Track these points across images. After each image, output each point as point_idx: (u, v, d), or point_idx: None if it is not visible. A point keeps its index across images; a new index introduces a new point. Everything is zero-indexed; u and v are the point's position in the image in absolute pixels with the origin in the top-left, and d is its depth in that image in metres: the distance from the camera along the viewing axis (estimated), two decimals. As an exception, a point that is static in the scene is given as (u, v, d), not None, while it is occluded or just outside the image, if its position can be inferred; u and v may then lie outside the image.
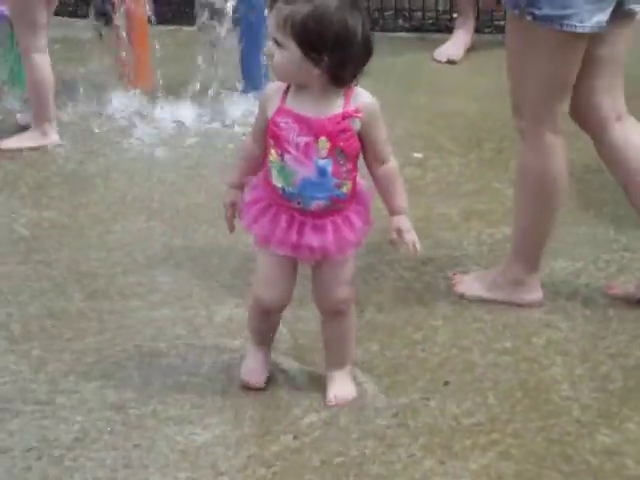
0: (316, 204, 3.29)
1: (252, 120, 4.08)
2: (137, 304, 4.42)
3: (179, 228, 5.13)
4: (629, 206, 4.75)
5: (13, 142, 6.31)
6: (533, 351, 4.06)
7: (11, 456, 3.40)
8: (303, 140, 3.22)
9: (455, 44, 8.35)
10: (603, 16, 3.91)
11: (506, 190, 5.36)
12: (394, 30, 8.91)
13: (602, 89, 4.28)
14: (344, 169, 3.25)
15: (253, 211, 3.41)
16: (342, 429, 3.51)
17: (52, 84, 6.26)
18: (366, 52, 3.17)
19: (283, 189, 3.31)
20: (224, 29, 6.31)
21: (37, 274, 4.72)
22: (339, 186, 3.27)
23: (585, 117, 4.37)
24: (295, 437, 3.48)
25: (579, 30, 3.91)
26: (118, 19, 6.52)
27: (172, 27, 7.61)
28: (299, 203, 3.31)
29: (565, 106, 4.25)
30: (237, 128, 6.33)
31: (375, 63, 3.97)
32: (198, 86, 6.63)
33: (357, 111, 3.19)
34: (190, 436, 3.50)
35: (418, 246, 3.30)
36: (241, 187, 3.47)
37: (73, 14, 7.83)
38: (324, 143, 3.19)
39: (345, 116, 3.19)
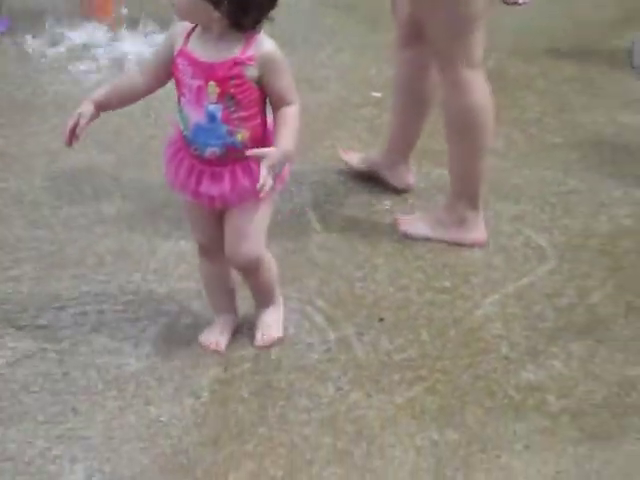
0: (210, 151, 3.30)
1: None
2: (79, 235, 4.44)
3: (130, 161, 5.13)
4: (581, 150, 4.88)
5: None
6: (470, 290, 4.15)
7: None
8: (195, 83, 3.23)
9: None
10: None
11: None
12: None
13: None
14: (236, 116, 3.24)
15: (167, 153, 3.48)
16: (273, 362, 3.60)
17: None
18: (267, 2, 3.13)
19: (184, 133, 3.35)
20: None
21: (-22, 201, 4.73)
22: (232, 133, 3.26)
23: None
24: (225, 369, 3.58)
25: None
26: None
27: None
28: (195, 150, 3.33)
29: (480, 41, 4.31)
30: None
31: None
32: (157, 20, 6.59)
33: (250, 59, 3.17)
34: (121, 366, 3.57)
35: (265, 188, 3.11)
36: (99, 107, 3.39)
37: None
38: (213, 88, 3.19)
39: (237, 62, 3.17)
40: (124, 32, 6.57)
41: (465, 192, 4.37)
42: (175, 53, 3.25)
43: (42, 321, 3.83)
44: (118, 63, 6.33)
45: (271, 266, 3.62)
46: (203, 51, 3.21)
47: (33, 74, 6.26)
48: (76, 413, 3.34)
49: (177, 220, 4.40)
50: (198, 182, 3.36)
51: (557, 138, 5.42)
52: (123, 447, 3.24)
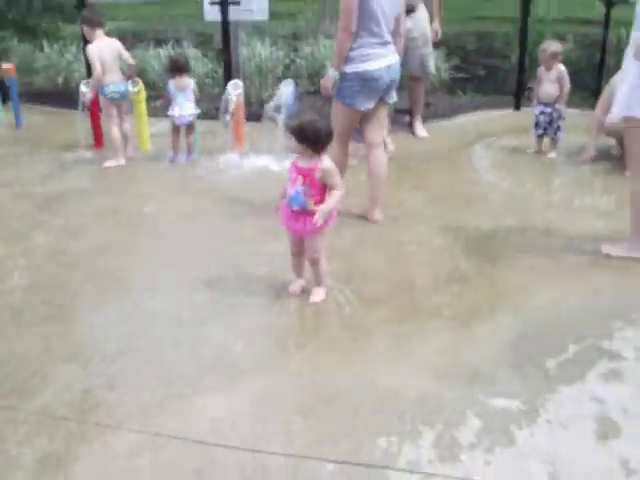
0: (295, 208, 3.52)
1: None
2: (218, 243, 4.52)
3: (254, 212, 4.97)
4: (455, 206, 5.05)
5: (108, 163, 6.30)
6: (404, 261, 4.23)
7: None
8: (294, 176, 3.50)
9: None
10: (370, 104, 4.57)
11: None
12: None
13: (371, 129, 4.74)
14: (309, 193, 3.46)
15: (281, 209, 3.66)
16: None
17: (119, 138, 6.32)
18: (326, 141, 3.46)
19: (287, 200, 3.57)
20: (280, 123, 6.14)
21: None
22: (306, 202, 3.48)
23: (365, 141, 4.79)
24: (300, 301, 3.72)
25: (359, 109, 4.57)
26: (231, 118, 6.46)
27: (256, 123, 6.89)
28: (291, 207, 3.55)
29: (346, 131, 4.68)
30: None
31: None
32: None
33: (317, 168, 3.44)
34: (247, 309, 3.68)
35: (318, 222, 3.42)
36: (282, 197, 3.65)
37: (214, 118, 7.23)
38: (300, 179, 3.46)
39: (311, 169, 3.45)
40: (251, 156, 6.42)
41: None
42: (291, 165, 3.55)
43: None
44: (247, 172, 6.16)
45: (324, 265, 3.74)
46: (301, 162, 3.49)
47: (207, 175, 6.08)
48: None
49: (274, 234, 4.31)
50: (290, 221, 3.59)
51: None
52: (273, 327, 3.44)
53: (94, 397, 2.98)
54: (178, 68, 6.39)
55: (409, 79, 7.25)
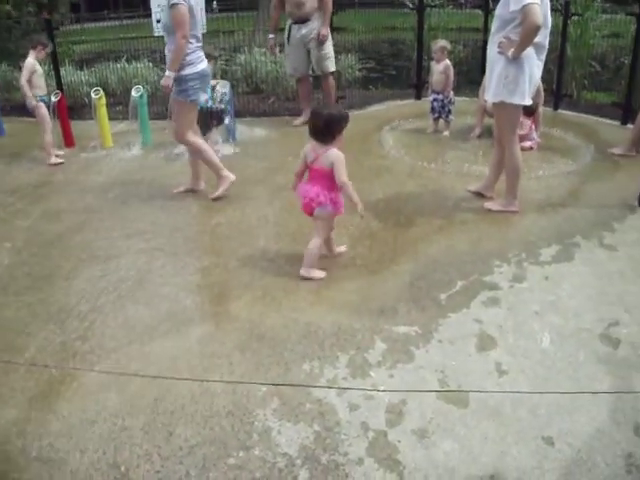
0: None
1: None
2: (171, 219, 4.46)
3: (198, 194, 4.86)
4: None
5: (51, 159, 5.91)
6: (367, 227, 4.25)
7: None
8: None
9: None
10: (204, 97, 4.57)
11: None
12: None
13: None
14: None
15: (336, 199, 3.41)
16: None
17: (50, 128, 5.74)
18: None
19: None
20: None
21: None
22: None
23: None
24: (239, 261, 3.70)
25: (194, 101, 4.45)
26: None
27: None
28: None
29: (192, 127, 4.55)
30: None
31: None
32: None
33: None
34: (193, 270, 3.71)
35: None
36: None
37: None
38: None
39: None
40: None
41: None
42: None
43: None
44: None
45: None
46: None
47: (161, 163, 5.89)
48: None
49: (216, 210, 4.38)
50: None
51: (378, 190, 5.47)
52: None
53: (70, 348, 2.98)
54: None
55: (320, 78, 7.19)
